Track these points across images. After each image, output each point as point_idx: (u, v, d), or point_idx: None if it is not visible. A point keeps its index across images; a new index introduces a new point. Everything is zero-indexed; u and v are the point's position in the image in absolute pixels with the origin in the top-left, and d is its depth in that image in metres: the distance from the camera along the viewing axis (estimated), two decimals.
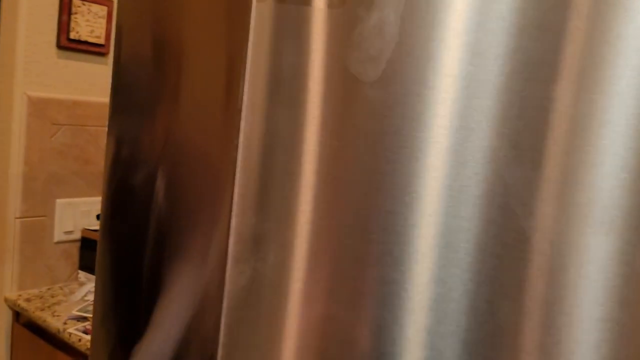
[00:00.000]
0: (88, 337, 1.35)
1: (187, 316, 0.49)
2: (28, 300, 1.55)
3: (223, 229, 0.45)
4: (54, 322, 1.42)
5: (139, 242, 0.66)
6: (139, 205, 0.66)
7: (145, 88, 0.69)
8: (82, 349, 1.34)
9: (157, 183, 0.62)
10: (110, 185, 0.76)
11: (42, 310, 1.49)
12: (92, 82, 1.74)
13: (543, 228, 0.35)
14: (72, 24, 1.63)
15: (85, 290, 1.62)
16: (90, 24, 1.68)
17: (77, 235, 1.75)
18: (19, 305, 1.53)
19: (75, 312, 1.48)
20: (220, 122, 0.56)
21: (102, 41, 1.71)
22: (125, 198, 0.70)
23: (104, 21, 1.71)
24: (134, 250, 0.67)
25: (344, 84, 0.38)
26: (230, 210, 0.42)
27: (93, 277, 1.70)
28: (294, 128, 0.42)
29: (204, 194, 0.56)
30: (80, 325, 1.42)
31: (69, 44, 1.63)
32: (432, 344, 0.35)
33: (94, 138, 1.75)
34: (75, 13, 1.63)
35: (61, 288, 1.67)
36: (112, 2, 1.71)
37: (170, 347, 0.50)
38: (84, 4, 1.64)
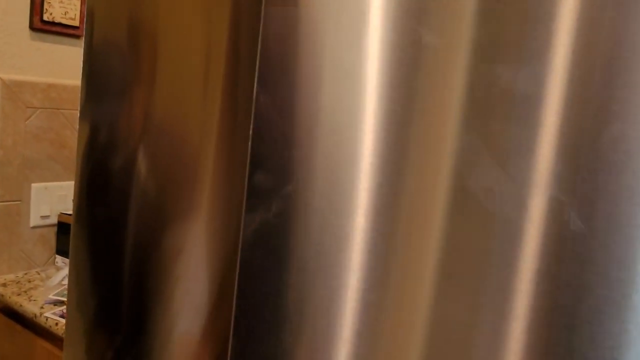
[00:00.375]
0: (65, 321, 1.35)
1: (203, 283, 0.53)
2: (4, 285, 1.54)
3: (211, 201, 0.50)
4: (30, 307, 1.42)
5: (118, 224, 0.66)
6: (117, 188, 0.67)
7: (119, 71, 0.69)
8: (60, 333, 1.35)
9: (137, 166, 0.63)
10: (84, 171, 0.76)
11: (19, 295, 1.48)
12: (67, 65, 1.71)
13: None
14: (46, 6, 1.61)
15: (62, 274, 1.61)
16: (64, 5, 1.65)
17: (54, 219, 1.74)
18: None
19: (51, 297, 1.47)
20: (199, 103, 0.57)
21: (76, 23, 1.69)
22: (102, 182, 0.70)
23: (78, 2, 1.68)
24: (113, 233, 0.67)
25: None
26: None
27: None
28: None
29: (186, 174, 0.57)
30: (58, 309, 1.42)
31: (42, 26, 1.61)
32: None
33: (69, 122, 1.73)
34: None
35: (38, 273, 1.67)
36: None
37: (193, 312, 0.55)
38: None
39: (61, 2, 1.64)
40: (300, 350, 0.47)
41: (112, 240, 0.68)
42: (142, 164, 0.62)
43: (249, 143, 0.45)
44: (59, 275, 1.62)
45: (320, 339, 0.46)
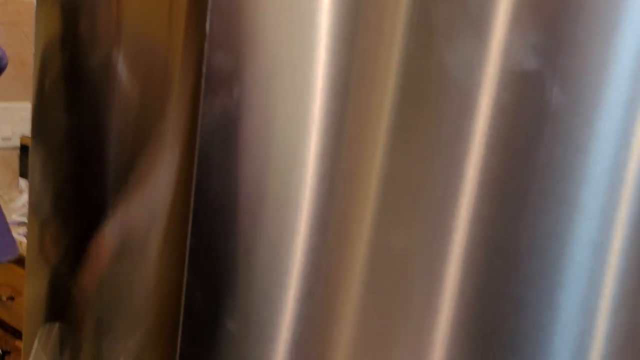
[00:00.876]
0: None
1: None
2: None
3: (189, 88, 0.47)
4: None
5: (97, 125, 0.62)
6: (95, 88, 0.62)
7: None
8: (24, 252, 1.32)
9: (116, 64, 0.58)
10: (47, 74, 0.72)
11: None
12: None
13: None
14: None
15: (26, 197, 1.57)
16: None
17: (16, 142, 1.68)
18: None
19: (15, 217, 1.44)
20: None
21: None
22: (72, 85, 0.67)
23: None
24: (91, 135, 0.64)
25: None
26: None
27: None
28: None
29: (155, 72, 0.54)
30: (21, 230, 1.39)
31: None
32: None
33: (29, 39, 1.65)
34: None
35: (0, 196, 1.62)
36: None
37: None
38: None
39: None
40: (261, 245, 0.45)
41: (91, 143, 0.64)
42: (124, 62, 0.58)
43: (207, 18, 0.41)
44: (22, 198, 1.58)
45: (280, 232, 0.44)
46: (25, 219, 1.43)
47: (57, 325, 0.73)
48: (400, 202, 0.41)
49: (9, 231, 0.57)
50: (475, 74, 0.36)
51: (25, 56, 1.64)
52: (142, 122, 0.54)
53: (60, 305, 0.72)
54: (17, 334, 1.41)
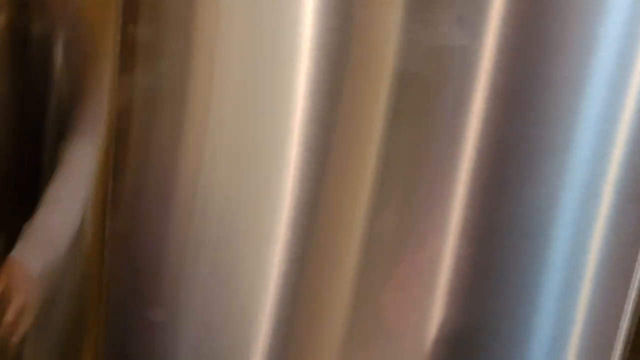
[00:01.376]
0: None
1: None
2: None
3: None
4: None
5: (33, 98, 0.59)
6: (34, 63, 0.59)
7: None
8: None
9: (58, 36, 0.55)
10: None
11: None
12: None
13: None
14: None
15: None
16: None
17: None
18: None
19: None
20: None
21: None
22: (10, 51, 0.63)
23: None
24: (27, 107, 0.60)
25: None
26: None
27: None
28: None
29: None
30: None
31: None
32: None
33: None
34: None
35: None
36: None
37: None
38: None
39: None
40: (192, 230, 0.42)
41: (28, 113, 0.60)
42: (56, 37, 0.55)
43: None
44: None
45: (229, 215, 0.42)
46: None
47: None
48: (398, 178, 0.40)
49: None
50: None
51: None
52: (71, 99, 0.51)
53: None
54: None
